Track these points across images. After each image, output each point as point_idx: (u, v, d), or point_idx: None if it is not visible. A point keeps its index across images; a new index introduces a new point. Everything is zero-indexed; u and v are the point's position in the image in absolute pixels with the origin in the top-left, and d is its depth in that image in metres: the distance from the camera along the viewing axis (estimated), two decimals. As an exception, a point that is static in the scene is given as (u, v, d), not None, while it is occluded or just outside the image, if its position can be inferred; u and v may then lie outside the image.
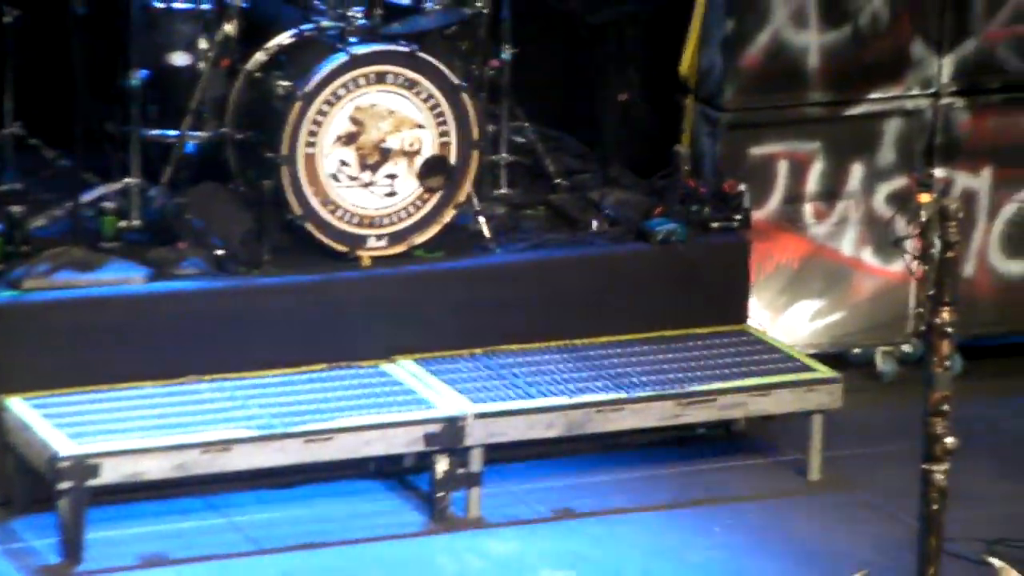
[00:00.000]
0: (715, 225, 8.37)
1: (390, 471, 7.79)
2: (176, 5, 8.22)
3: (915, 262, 6.20)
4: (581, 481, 7.91)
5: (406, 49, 7.97)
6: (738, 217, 8.39)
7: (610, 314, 8.20)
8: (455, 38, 8.34)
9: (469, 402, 7.63)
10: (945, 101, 8.74)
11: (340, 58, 7.89)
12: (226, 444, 7.32)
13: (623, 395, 7.78)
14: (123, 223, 7.95)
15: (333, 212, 7.96)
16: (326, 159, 7.93)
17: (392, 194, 8.02)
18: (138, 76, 8.06)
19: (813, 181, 8.64)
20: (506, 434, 7.65)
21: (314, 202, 7.93)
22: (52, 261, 7.71)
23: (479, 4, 8.41)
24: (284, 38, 8.15)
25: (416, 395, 7.68)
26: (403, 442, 7.54)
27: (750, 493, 7.88)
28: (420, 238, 8.08)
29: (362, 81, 7.91)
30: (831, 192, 8.67)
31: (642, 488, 7.89)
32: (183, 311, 7.77)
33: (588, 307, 8.20)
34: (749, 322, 8.39)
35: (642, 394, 7.80)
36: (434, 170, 8.03)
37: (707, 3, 8.59)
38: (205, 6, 8.23)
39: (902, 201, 8.63)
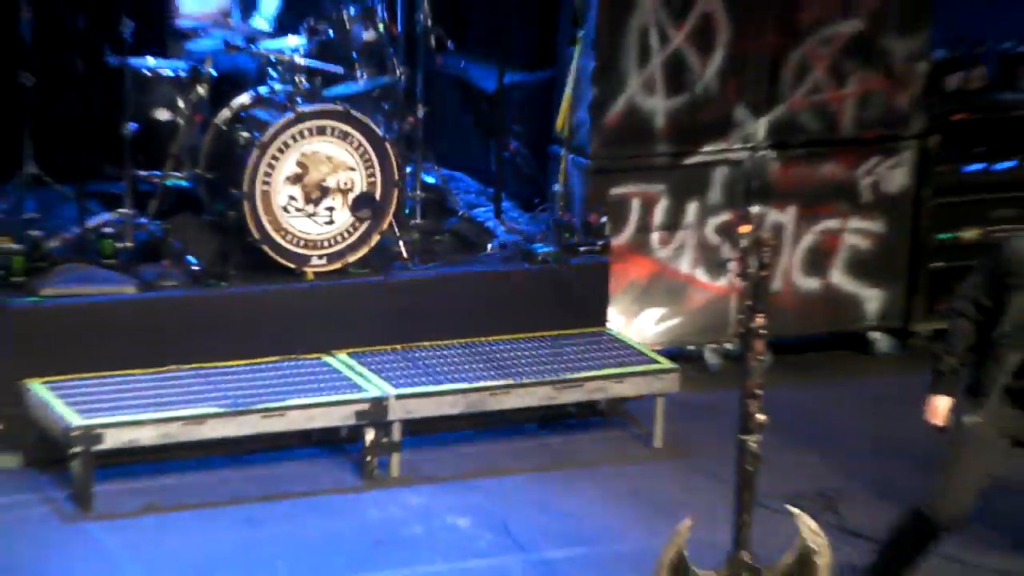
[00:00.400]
0: (582, 249, 8.31)
1: (329, 440, 7.70)
2: (161, 72, 8.13)
3: (737, 279, 6.30)
4: (479, 449, 7.84)
5: (341, 108, 7.87)
6: (600, 243, 8.35)
7: (501, 318, 8.14)
8: (380, 99, 8.30)
9: (391, 386, 7.58)
10: (760, 154, 8.64)
11: (289, 115, 7.81)
12: (201, 418, 7.29)
13: (511, 381, 7.75)
14: (119, 244, 7.89)
15: (284, 237, 7.88)
16: (278, 195, 7.85)
17: (330, 223, 7.94)
18: (130, 128, 7.99)
19: (658, 215, 8.57)
20: (420, 411, 7.60)
21: (269, 229, 7.85)
22: (63, 274, 7.69)
23: (398, 74, 8.27)
24: (245, 98, 8.06)
25: (350, 381, 7.63)
26: (339, 417, 7.50)
27: (609, 458, 7.82)
28: (352, 257, 7.99)
29: (306, 133, 7.83)
30: (672, 224, 8.59)
31: (525, 454, 7.83)
32: (166, 314, 7.71)
33: (484, 313, 8.12)
34: (608, 325, 8.32)
35: (526, 380, 7.77)
36: (363, 204, 7.95)
37: (577, 75, 8.44)
38: (182, 73, 8.16)
39: (727, 231, 8.61)
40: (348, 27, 8.22)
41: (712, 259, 8.65)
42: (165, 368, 7.62)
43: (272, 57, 8.14)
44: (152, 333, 7.66)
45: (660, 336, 8.63)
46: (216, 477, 7.50)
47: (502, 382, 7.75)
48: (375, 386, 7.60)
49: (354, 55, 8.19)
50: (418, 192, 8.48)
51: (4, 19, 7.82)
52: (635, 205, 8.56)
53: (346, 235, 8.00)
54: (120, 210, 8.00)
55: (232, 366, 7.70)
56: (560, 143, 8.61)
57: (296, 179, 7.89)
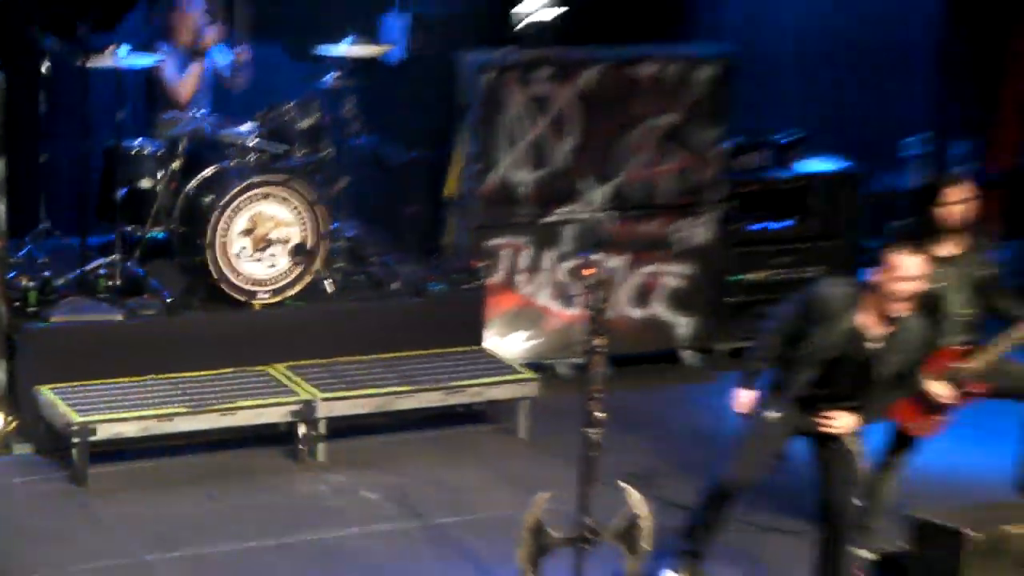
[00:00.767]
0: (465, 286, 8.33)
1: (271, 434, 7.60)
2: (145, 150, 8.01)
3: (583, 309, 6.09)
4: (386, 440, 7.79)
5: (283, 178, 7.84)
6: (479, 281, 8.37)
7: (404, 339, 8.04)
8: (313, 171, 8.15)
9: (319, 392, 7.54)
10: (602, 214, 8.65)
11: (243, 184, 7.76)
12: (172, 416, 7.29)
13: (411, 387, 7.71)
14: (110, 282, 7.85)
15: (237, 277, 7.84)
16: (233, 245, 7.81)
17: (273, 266, 7.91)
18: (120, 193, 7.93)
19: (523, 260, 8.55)
20: (341, 411, 7.55)
21: (226, 270, 7.81)
22: (67, 305, 7.67)
23: (328, 152, 8.18)
24: (209, 171, 7.94)
25: (287, 387, 7.60)
26: (278, 415, 7.47)
27: (486, 446, 7.78)
28: (290, 293, 7.94)
29: (256, 197, 7.80)
30: (534, 267, 8.51)
31: (422, 444, 7.80)
32: (147, 335, 7.67)
33: (390, 334, 8.03)
34: (484, 344, 8.27)
35: (423, 387, 7.73)
36: (299, 252, 7.93)
37: (463, 153, 8.42)
38: (160, 152, 8.00)
39: (575, 273, 8.47)
40: (290, 116, 8.11)
41: (564, 294, 8.64)
42: (145, 377, 7.56)
43: (231, 139, 8.05)
44: (135, 350, 7.61)
45: (524, 353, 8.59)
46: (184, 462, 7.43)
47: (404, 388, 7.71)
48: (306, 391, 7.56)
49: (294, 138, 8.11)
50: (341, 242, 8.34)
51: (25, 105, 7.74)
52: (506, 253, 8.59)
53: (285, 276, 7.96)
54: (112, 256, 7.93)
55: (196, 375, 7.63)
56: (449, 206, 8.59)
57: (247, 232, 7.85)
